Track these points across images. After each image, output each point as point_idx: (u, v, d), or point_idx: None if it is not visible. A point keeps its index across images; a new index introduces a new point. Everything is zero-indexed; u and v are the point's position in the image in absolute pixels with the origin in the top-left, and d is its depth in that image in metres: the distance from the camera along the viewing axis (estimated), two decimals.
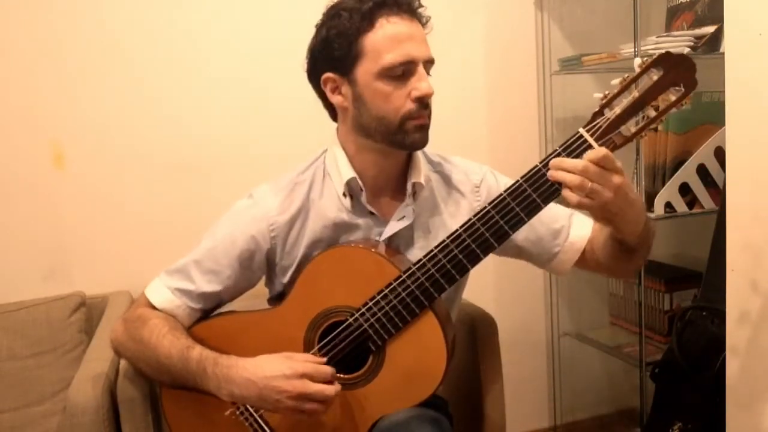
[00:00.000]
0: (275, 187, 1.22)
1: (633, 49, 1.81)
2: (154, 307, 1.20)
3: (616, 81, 1.00)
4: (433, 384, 1.10)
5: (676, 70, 0.97)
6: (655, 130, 1.01)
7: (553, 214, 1.24)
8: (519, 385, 2.19)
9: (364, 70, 1.10)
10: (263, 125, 1.96)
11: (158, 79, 1.87)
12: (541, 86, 2.22)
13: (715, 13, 1.82)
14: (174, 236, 1.84)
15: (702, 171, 1.84)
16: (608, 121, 0.99)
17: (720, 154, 1.80)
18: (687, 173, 1.83)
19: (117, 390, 1.32)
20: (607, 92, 1.00)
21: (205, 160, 1.92)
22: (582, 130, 1.00)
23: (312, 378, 1.06)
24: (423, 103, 1.11)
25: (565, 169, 0.96)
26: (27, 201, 1.80)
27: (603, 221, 1.05)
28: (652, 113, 0.99)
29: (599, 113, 1.00)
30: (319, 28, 1.15)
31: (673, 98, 0.98)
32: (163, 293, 1.20)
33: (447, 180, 1.26)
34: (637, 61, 0.99)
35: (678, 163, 1.84)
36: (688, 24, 1.95)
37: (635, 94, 0.98)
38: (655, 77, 0.98)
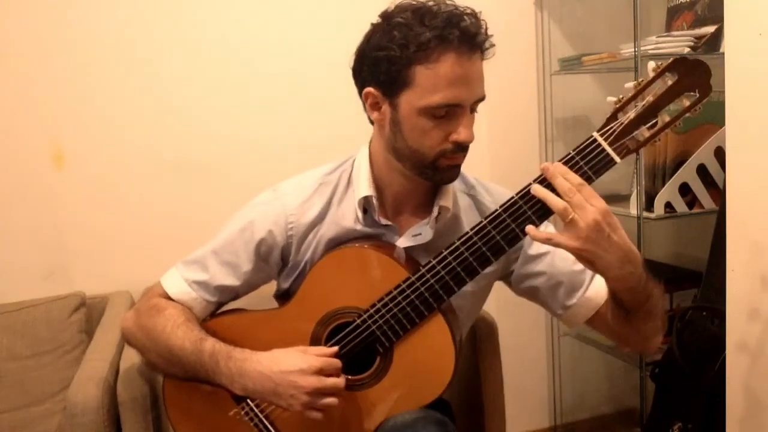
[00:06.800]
0: (300, 184, 1.20)
1: (633, 49, 1.81)
2: (169, 298, 1.18)
3: (630, 84, 0.99)
4: (441, 386, 1.10)
5: (690, 75, 0.97)
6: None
7: (578, 268, 1.20)
8: (519, 385, 2.19)
9: (408, 101, 1.04)
10: (264, 125, 1.95)
11: (158, 79, 1.87)
12: (541, 86, 2.21)
13: (715, 13, 1.82)
14: (174, 236, 1.84)
15: (702, 171, 1.83)
16: (622, 126, 0.98)
17: (720, 154, 1.79)
18: (687, 173, 1.83)
19: (117, 390, 1.32)
20: (621, 96, 0.99)
21: (205, 160, 1.91)
22: (596, 134, 0.99)
23: (325, 373, 1.05)
24: (460, 146, 1.08)
25: (563, 175, 0.97)
26: (27, 201, 1.80)
27: (584, 262, 1.00)
28: (666, 118, 0.98)
29: (613, 117, 0.99)
30: (371, 35, 1.07)
31: (687, 103, 0.98)
32: (179, 285, 1.18)
33: (478, 205, 1.24)
34: (651, 65, 0.98)
35: (678, 163, 1.84)
36: (688, 24, 1.95)
37: (649, 98, 0.98)
38: (670, 82, 0.97)
